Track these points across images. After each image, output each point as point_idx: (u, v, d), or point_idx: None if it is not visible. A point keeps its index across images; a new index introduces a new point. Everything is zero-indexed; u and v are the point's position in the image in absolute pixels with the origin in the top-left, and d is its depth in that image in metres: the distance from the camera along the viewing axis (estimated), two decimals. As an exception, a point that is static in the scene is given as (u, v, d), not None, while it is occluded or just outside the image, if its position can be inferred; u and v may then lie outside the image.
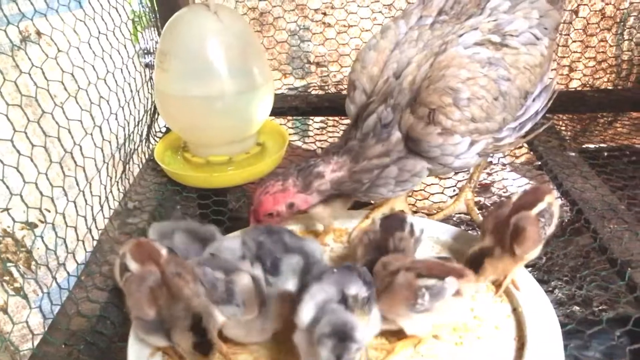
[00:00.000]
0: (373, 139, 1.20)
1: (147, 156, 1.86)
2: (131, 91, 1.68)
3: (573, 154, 1.79)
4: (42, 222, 1.28)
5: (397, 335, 1.05)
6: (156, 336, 0.99)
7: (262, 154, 1.78)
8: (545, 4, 1.32)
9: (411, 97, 1.19)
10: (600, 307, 1.55)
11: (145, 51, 2.11)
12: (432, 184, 1.91)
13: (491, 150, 1.28)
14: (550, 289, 1.60)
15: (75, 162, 1.32)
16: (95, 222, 1.42)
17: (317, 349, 0.85)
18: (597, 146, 2.22)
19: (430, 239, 1.38)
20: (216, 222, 1.46)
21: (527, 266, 1.25)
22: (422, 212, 1.58)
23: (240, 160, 1.72)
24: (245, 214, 1.85)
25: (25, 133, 1.13)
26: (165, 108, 1.70)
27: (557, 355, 1.02)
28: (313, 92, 2.46)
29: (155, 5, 1.98)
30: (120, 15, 1.65)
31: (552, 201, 1.21)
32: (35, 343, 1.13)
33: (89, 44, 1.47)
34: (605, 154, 1.95)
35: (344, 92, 2.28)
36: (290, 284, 1.06)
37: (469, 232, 1.50)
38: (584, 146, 2.23)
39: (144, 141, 1.85)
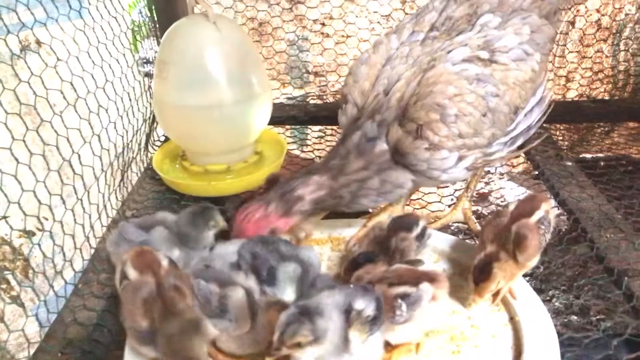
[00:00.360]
0: (354, 154, 1.21)
1: (145, 165, 1.87)
2: (130, 100, 1.68)
3: (570, 163, 1.79)
4: (40, 230, 1.28)
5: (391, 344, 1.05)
6: (149, 347, 0.98)
7: (260, 162, 1.79)
8: (537, 19, 1.32)
9: (398, 113, 1.20)
10: (597, 317, 1.55)
11: (145, 60, 2.12)
12: (430, 193, 1.91)
13: (481, 164, 1.28)
14: (547, 298, 1.59)
15: (73, 170, 1.32)
16: (93, 230, 1.42)
17: None
18: (594, 156, 2.23)
19: (428, 247, 1.38)
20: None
21: (524, 275, 1.25)
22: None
23: (238, 169, 1.73)
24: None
25: (24, 141, 1.13)
26: (164, 117, 1.71)
27: (554, 364, 1.02)
28: (311, 102, 2.47)
29: (155, 15, 2.00)
30: (119, 25, 1.67)
31: (549, 209, 1.22)
32: (32, 351, 1.13)
33: (89, 53, 1.48)
34: (602, 163, 1.96)
35: (342, 101, 2.29)
36: (288, 293, 1.06)
37: (467, 241, 1.50)
38: (581, 156, 2.24)
39: (142, 150, 1.85)
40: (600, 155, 2.21)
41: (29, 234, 1.36)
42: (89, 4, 1.57)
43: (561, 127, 2.24)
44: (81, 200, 1.35)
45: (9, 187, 1.10)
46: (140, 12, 2.12)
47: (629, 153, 2.16)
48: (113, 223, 1.54)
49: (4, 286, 1.47)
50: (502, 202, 2.19)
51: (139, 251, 1.08)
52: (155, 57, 1.72)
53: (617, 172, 1.85)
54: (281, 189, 1.21)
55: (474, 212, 1.67)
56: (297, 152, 2.38)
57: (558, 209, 1.62)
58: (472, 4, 1.33)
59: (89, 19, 1.55)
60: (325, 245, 1.41)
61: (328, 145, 2.27)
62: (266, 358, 0.93)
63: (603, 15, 2.34)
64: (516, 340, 1.09)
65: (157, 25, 2.01)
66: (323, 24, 2.41)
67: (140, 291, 1.00)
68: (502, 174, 2.36)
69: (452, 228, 1.83)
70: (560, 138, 2.17)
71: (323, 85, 2.53)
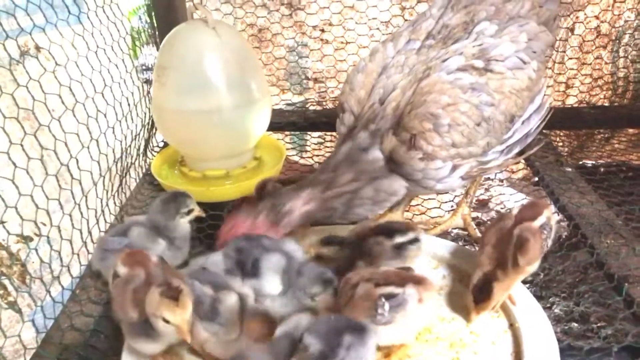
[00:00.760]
0: (344, 166, 1.20)
1: (144, 170, 1.86)
2: (129, 105, 1.68)
3: (570, 169, 1.79)
4: (37, 235, 1.27)
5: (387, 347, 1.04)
6: (143, 339, 0.98)
7: (259, 168, 1.79)
8: (535, 26, 1.31)
9: (394, 122, 1.20)
10: (598, 324, 1.54)
11: (145, 67, 2.12)
12: (430, 199, 1.90)
13: (477, 173, 1.28)
14: (548, 305, 1.58)
15: (71, 175, 1.32)
16: (91, 236, 1.41)
17: None
18: (594, 162, 2.22)
19: (427, 254, 1.37)
20: (212, 236, 1.45)
21: (524, 282, 1.25)
22: (419, 227, 1.58)
23: (237, 175, 1.73)
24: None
25: (22, 146, 1.13)
26: (162, 122, 1.70)
27: (555, 371, 1.02)
28: (311, 108, 2.47)
29: (155, 21, 2.00)
30: (118, 30, 1.67)
31: (550, 216, 1.22)
32: (28, 357, 1.12)
33: (87, 58, 1.48)
34: (602, 170, 1.95)
35: (342, 108, 2.29)
36: (273, 284, 1.07)
37: (467, 247, 1.49)
38: (580, 162, 2.24)
39: (141, 155, 1.85)
40: (601, 161, 2.21)
41: (26, 239, 1.35)
42: (88, 9, 1.57)
43: (561, 134, 2.24)
44: (79, 205, 1.35)
45: (7, 191, 1.09)
46: (140, 19, 2.13)
47: (629, 159, 2.16)
48: (111, 228, 1.54)
49: (0, 292, 1.47)
50: (501, 208, 2.19)
51: (129, 252, 1.09)
52: (154, 63, 1.72)
53: (617, 179, 1.85)
54: (271, 201, 1.20)
55: (474, 219, 1.67)
56: (296, 158, 2.38)
57: (558, 215, 1.61)
58: (468, 11, 1.33)
59: (88, 24, 1.55)
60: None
61: (327, 152, 2.27)
62: None
63: (602, 22, 2.35)
64: (516, 347, 1.09)
65: (157, 32, 2.02)
66: (322, 31, 2.41)
67: (130, 283, 1.00)
68: (501, 180, 2.35)
69: (452, 234, 1.83)
70: (560, 144, 2.16)
71: (322, 92, 2.53)
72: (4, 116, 1.08)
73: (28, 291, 1.40)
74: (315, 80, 2.52)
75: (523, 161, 1.96)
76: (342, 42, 2.36)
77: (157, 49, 1.93)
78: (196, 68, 1.56)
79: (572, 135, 2.32)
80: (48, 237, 1.24)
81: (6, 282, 1.46)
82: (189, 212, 1.29)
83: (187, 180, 1.75)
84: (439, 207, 1.90)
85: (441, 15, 1.35)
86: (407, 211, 1.79)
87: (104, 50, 1.57)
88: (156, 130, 1.95)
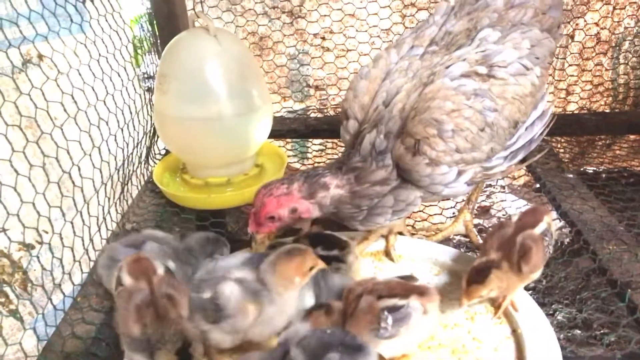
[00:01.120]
0: (373, 163, 1.20)
1: (145, 178, 1.86)
2: (130, 113, 1.69)
3: (571, 176, 1.79)
4: (39, 243, 1.27)
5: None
6: (141, 355, 0.98)
7: (261, 175, 1.79)
8: (538, 33, 1.32)
9: (401, 125, 1.20)
10: (601, 331, 1.53)
11: (147, 76, 2.13)
12: (431, 206, 1.90)
13: (481, 178, 1.28)
14: (550, 312, 1.58)
15: (73, 182, 1.32)
16: (93, 243, 1.41)
17: None
18: (595, 169, 2.22)
19: (429, 260, 1.37)
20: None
21: (526, 289, 1.24)
22: (421, 234, 1.58)
23: (238, 182, 1.73)
24: (243, 236, 1.85)
25: (24, 153, 1.13)
26: (164, 129, 1.71)
27: (558, 377, 1.01)
28: (312, 115, 2.48)
29: (156, 29, 2.01)
30: (120, 39, 1.67)
31: (551, 221, 1.22)
32: (29, 365, 1.12)
33: (89, 67, 1.49)
34: (604, 176, 1.95)
35: (343, 115, 2.30)
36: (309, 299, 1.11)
37: (468, 254, 1.49)
38: (582, 169, 2.24)
39: (143, 163, 1.85)
40: (602, 168, 2.21)
41: (28, 246, 1.35)
42: (91, 17, 1.58)
43: (562, 140, 2.24)
44: (81, 212, 1.35)
45: (9, 199, 1.10)
46: (142, 27, 2.14)
47: (630, 166, 2.16)
48: (113, 236, 1.54)
49: (2, 300, 1.46)
50: (503, 215, 2.19)
51: (135, 258, 1.08)
52: (156, 72, 1.72)
53: (619, 185, 1.85)
54: (307, 173, 1.21)
55: (476, 226, 1.67)
56: (297, 165, 2.38)
57: (560, 221, 1.61)
58: (471, 18, 1.34)
59: (90, 33, 1.55)
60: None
61: (329, 159, 2.27)
62: None
63: (602, 28, 2.36)
64: (519, 354, 1.08)
65: (159, 41, 2.03)
66: (323, 38, 2.42)
67: (134, 298, 0.99)
68: (503, 187, 2.35)
69: (454, 241, 1.82)
70: (562, 151, 2.16)
71: (324, 99, 2.54)
72: (6, 124, 1.09)
73: (30, 299, 1.40)
74: (317, 87, 2.53)
75: (524, 168, 1.96)
76: (343, 50, 2.37)
77: (159, 58, 1.94)
78: (198, 76, 1.57)
79: (573, 141, 2.32)
80: (50, 244, 1.24)
81: (8, 289, 1.46)
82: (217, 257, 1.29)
83: (188, 188, 1.75)
84: (441, 214, 1.90)
85: (444, 22, 1.36)
86: (409, 218, 1.80)
87: (106, 58, 1.58)
88: (158, 137, 1.96)
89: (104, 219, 1.49)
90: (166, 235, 1.30)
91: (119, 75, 1.63)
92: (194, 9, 2.13)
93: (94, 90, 1.48)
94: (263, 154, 1.86)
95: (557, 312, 1.65)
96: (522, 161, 1.38)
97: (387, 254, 1.42)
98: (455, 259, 1.36)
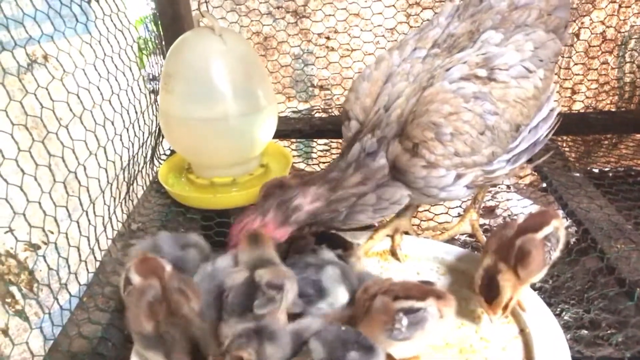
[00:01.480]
0: (353, 168, 1.20)
1: (151, 178, 1.87)
2: (136, 113, 1.69)
3: (578, 174, 1.78)
4: (45, 243, 1.27)
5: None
6: (154, 352, 0.97)
7: (266, 175, 1.79)
8: (542, 34, 1.31)
9: (398, 129, 1.20)
10: (609, 331, 1.53)
11: (151, 76, 2.13)
12: (437, 205, 1.90)
13: (482, 182, 1.27)
14: (557, 312, 1.57)
15: (79, 182, 1.32)
16: (99, 243, 1.41)
17: None
18: (601, 168, 2.21)
19: (435, 259, 1.37)
20: (219, 243, 1.45)
21: (533, 288, 1.23)
22: (427, 233, 1.57)
23: (244, 182, 1.73)
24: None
25: (30, 153, 1.13)
26: (169, 129, 1.71)
27: (567, 377, 1.01)
28: (317, 115, 2.47)
29: (161, 29, 2.01)
30: (125, 39, 1.67)
31: (559, 225, 1.19)
32: (36, 365, 1.12)
33: (95, 66, 1.49)
34: (610, 175, 1.94)
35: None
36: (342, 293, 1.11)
37: (475, 253, 1.48)
38: (588, 168, 2.23)
39: (148, 163, 1.85)
40: (609, 167, 2.19)
41: (34, 246, 1.35)
42: (96, 17, 1.58)
43: (568, 139, 2.23)
44: (86, 212, 1.35)
45: (15, 199, 1.10)
46: (147, 27, 2.14)
47: (637, 164, 2.15)
48: (119, 236, 1.54)
49: (8, 300, 1.47)
50: (509, 215, 2.18)
51: (142, 258, 1.08)
52: (161, 72, 1.73)
53: (626, 184, 1.84)
54: (278, 199, 1.20)
55: (482, 225, 1.66)
56: (302, 165, 2.38)
57: (567, 220, 1.60)
58: (474, 20, 1.33)
59: (96, 33, 1.56)
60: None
61: (333, 159, 2.26)
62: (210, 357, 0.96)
63: (608, 27, 2.34)
64: (527, 353, 1.08)
65: (163, 41, 2.03)
66: (328, 38, 2.42)
67: (146, 294, 0.99)
68: (509, 187, 2.34)
69: (460, 240, 1.82)
70: (567, 150, 2.16)
71: (328, 99, 2.53)
72: (12, 124, 1.09)
73: (36, 299, 1.40)
74: (321, 87, 2.53)
75: (531, 168, 1.96)
76: (347, 50, 2.37)
77: (164, 58, 1.94)
78: (203, 75, 1.57)
79: (579, 140, 2.30)
80: (56, 244, 1.24)
81: (14, 289, 1.46)
82: None
83: (194, 188, 1.75)
84: (447, 213, 1.89)
85: (448, 24, 1.35)
86: (415, 217, 1.79)
87: (111, 58, 1.58)
88: (163, 137, 1.96)
89: (110, 218, 1.49)
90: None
91: (124, 74, 1.63)
92: (198, 9, 2.13)
93: (99, 89, 1.48)
94: (268, 154, 1.86)
95: (564, 312, 1.64)
96: (529, 162, 1.37)
97: (393, 253, 1.42)
98: (461, 258, 1.35)
